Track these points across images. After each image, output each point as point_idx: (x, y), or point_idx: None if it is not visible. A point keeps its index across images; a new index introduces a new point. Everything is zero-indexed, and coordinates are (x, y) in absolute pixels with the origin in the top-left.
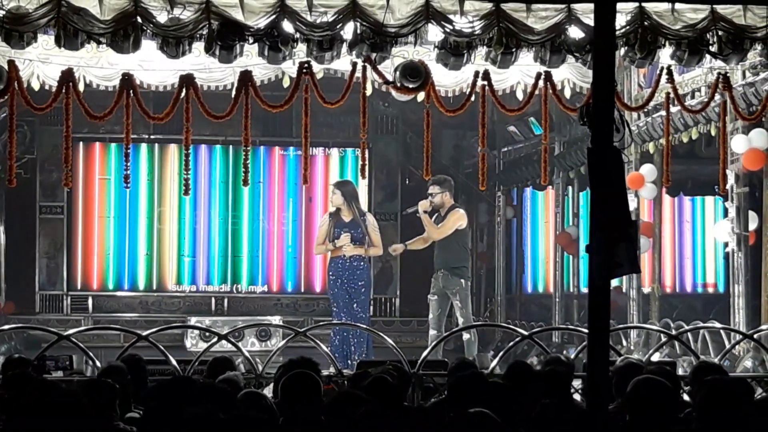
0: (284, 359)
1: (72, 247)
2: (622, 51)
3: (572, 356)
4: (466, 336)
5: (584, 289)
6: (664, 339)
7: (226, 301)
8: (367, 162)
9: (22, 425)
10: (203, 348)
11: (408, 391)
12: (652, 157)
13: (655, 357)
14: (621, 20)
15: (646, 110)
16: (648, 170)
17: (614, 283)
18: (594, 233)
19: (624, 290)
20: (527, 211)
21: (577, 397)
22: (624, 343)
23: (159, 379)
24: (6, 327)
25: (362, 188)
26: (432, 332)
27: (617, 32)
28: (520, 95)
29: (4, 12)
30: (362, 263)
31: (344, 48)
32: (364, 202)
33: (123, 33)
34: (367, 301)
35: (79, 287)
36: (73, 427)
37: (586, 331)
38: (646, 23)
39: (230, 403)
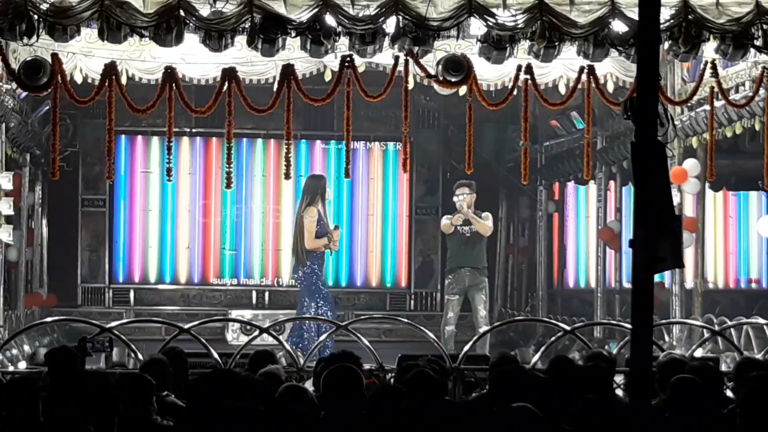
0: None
1: (114, 241)
2: (666, 45)
3: (614, 351)
4: (484, 328)
5: (626, 284)
6: (707, 335)
7: (267, 294)
8: (409, 156)
9: (61, 416)
10: (244, 341)
11: (449, 386)
12: (695, 151)
13: (698, 353)
14: (665, 14)
15: (689, 104)
16: (691, 165)
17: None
18: (638, 228)
19: (666, 285)
20: (569, 205)
21: (619, 392)
22: (666, 338)
23: (200, 372)
24: (49, 319)
25: (403, 182)
26: (449, 328)
27: (661, 26)
28: (562, 89)
29: (47, 5)
30: None
31: (386, 41)
32: (405, 196)
33: (166, 26)
34: None
35: (120, 280)
36: (110, 420)
37: (628, 326)
38: (690, 17)
39: (271, 397)
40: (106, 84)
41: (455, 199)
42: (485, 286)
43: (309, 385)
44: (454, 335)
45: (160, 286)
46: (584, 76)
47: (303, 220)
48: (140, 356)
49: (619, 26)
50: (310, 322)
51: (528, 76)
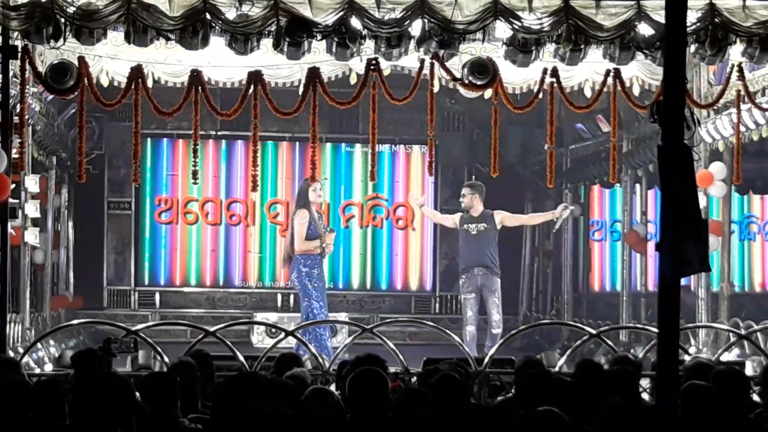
0: (350, 356)
1: (139, 243)
2: (693, 48)
3: (640, 355)
4: (497, 331)
5: (652, 288)
6: (733, 339)
7: (292, 297)
8: (434, 159)
9: (87, 418)
10: (269, 344)
11: (474, 389)
12: (721, 155)
13: (725, 357)
14: (691, 17)
15: (715, 108)
16: (717, 168)
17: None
18: (664, 231)
19: (692, 289)
20: (594, 209)
21: (645, 396)
22: (692, 342)
23: (226, 375)
24: (75, 322)
25: (428, 185)
26: (470, 328)
27: (688, 29)
28: (588, 92)
29: (74, 9)
30: None
31: (412, 44)
32: (430, 198)
33: (192, 29)
34: None
35: (146, 283)
36: (135, 422)
37: (654, 330)
38: (716, 20)
39: (298, 400)
40: (132, 87)
41: (460, 200)
42: (497, 288)
43: (334, 388)
44: (476, 338)
45: (186, 289)
46: (610, 80)
47: (293, 223)
48: (166, 359)
49: (645, 29)
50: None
51: (553, 79)
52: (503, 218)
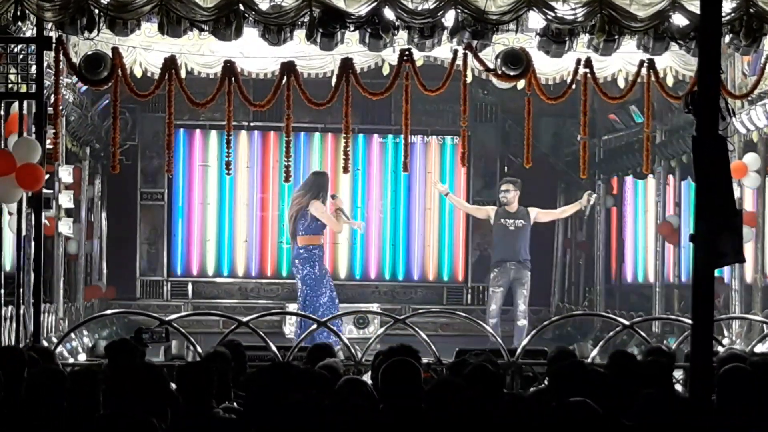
0: (382, 346)
1: (172, 234)
2: (727, 38)
3: (673, 346)
4: (522, 322)
5: (685, 279)
6: (767, 330)
7: None
8: (466, 150)
9: (121, 407)
10: (301, 335)
11: (507, 380)
12: (755, 146)
13: (759, 348)
14: (726, 7)
15: (750, 98)
16: (751, 159)
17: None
18: (699, 223)
19: (726, 281)
20: (627, 199)
21: (678, 387)
22: (726, 333)
23: (259, 365)
24: (108, 312)
25: (461, 176)
26: (493, 321)
27: (722, 19)
28: (621, 83)
29: (108, 0)
30: None
31: (445, 35)
32: (462, 189)
33: (225, 20)
34: None
35: (179, 273)
36: (172, 411)
37: (688, 321)
38: (751, 10)
39: (331, 390)
40: (166, 78)
41: (500, 195)
42: (527, 281)
43: (366, 379)
44: (498, 328)
45: (218, 280)
46: (644, 70)
47: (294, 208)
48: (199, 349)
49: (679, 20)
50: (325, 308)
51: (587, 70)
52: (537, 215)
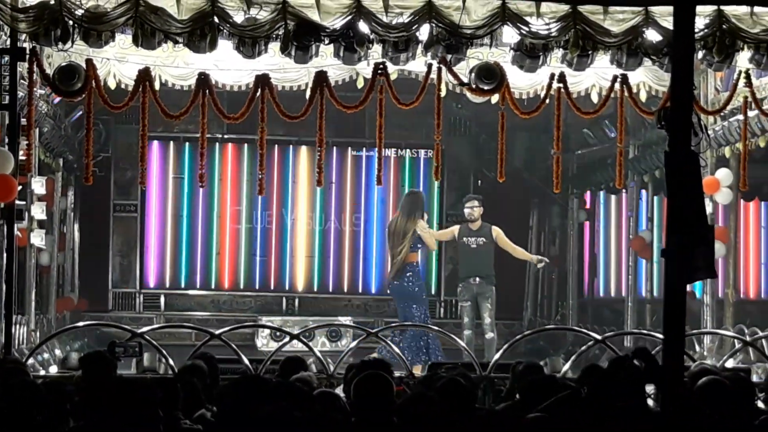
0: (354, 360)
1: (145, 246)
2: (700, 54)
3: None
4: (490, 335)
5: (657, 294)
6: (738, 345)
7: (296, 300)
8: (440, 164)
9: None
10: (274, 348)
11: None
12: (728, 161)
13: (730, 363)
14: (699, 23)
15: (722, 114)
16: (724, 175)
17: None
18: (671, 237)
19: (698, 296)
20: (600, 214)
21: (649, 402)
22: (697, 348)
23: (231, 378)
24: (80, 324)
25: (434, 189)
26: (468, 333)
27: (695, 35)
28: (595, 98)
29: (83, 11)
30: None
31: (419, 49)
32: (435, 203)
33: (200, 33)
34: None
35: (151, 285)
36: (140, 423)
37: (660, 336)
38: (724, 26)
39: (304, 403)
40: (140, 90)
41: (465, 211)
42: (491, 295)
43: (338, 392)
44: (474, 341)
45: (191, 292)
46: (617, 85)
47: (408, 232)
48: (171, 361)
49: (653, 35)
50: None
51: (561, 85)
52: (498, 235)
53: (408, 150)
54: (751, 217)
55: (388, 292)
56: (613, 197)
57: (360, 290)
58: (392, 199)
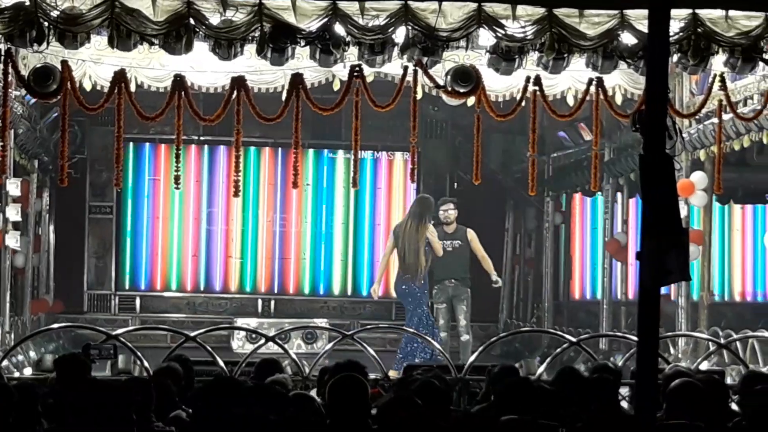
0: (330, 362)
1: (120, 248)
2: (675, 57)
3: (620, 363)
4: (465, 337)
5: (632, 296)
6: (712, 348)
7: (272, 303)
8: (416, 166)
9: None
10: (249, 350)
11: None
12: (702, 164)
13: (704, 365)
14: (674, 27)
15: (697, 117)
16: (699, 178)
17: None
18: (645, 240)
19: (672, 298)
20: (576, 217)
21: (624, 404)
22: (672, 351)
23: (206, 380)
24: (55, 326)
25: (410, 192)
26: (443, 335)
27: (670, 38)
28: (570, 101)
29: (58, 12)
30: None
31: (396, 51)
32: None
33: (175, 34)
34: None
35: (127, 287)
36: (113, 426)
37: (634, 338)
38: (699, 30)
39: (279, 405)
40: (115, 91)
41: (440, 214)
42: (467, 297)
43: (314, 394)
44: (449, 344)
45: (166, 294)
46: (593, 88)
47: (421, 237)
48: (146, 363)
49: (628, 38)
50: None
51: (536, 88)
52: (472, 239)
53: (384, 152)
54: (726, 219)
55: (397, 294)
56: (588, 200)
57: (336, 292)
58: (368, 201)
